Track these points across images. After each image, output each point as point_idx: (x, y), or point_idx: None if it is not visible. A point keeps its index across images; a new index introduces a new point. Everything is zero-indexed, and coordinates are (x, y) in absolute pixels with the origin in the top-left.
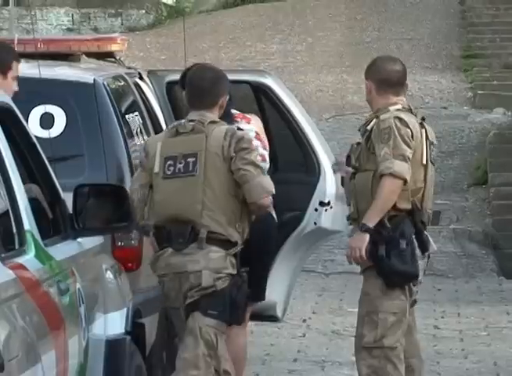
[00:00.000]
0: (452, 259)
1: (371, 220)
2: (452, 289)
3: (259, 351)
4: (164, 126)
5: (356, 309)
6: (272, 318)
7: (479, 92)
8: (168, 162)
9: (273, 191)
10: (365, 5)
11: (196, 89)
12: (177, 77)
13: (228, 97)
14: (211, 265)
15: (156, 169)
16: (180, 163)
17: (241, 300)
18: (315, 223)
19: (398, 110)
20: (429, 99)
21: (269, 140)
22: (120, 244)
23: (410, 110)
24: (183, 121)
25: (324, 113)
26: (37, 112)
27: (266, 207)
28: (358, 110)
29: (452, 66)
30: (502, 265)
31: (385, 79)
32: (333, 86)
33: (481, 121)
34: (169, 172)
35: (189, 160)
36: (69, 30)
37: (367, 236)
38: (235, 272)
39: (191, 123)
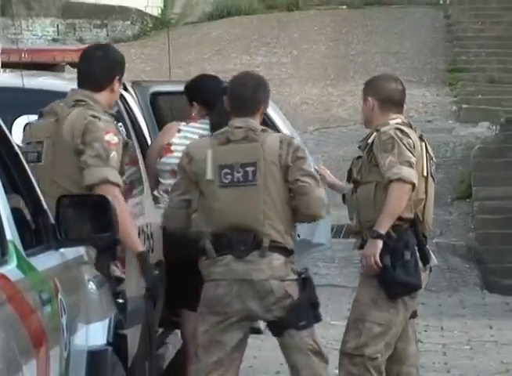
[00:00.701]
0: (436, 273)
1: (383, 226)
2: (435, 303)
3: (243, 363)
4: (147, 136)
5: (339, 322)
6: (255, 330)
7: (464, 106)
8: (224, 170)
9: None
10: (351, 18)
11: (238, 97)
12: (161, 88)
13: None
14: (276, 274)
15: (210, 176)
16: (238, 172)
17: (314, 298)
18: (298, 236)
19: (397, 123)
20: (413, 113)
21: None
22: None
23: (410, 125)
24: (228, 128)
25: (309, 126)
26: (20, 122)
27: (320, 218)
28: (343, 123)
29: (437, 80)
30: (486, 279)
31: (389, 98)
32: (318, 99)
33: (466, 134)
34: (227, 181)
35: (247, 169)
36: (54, 40)
37: (380, 243)
38: (296, 277)
39: (239, 130)
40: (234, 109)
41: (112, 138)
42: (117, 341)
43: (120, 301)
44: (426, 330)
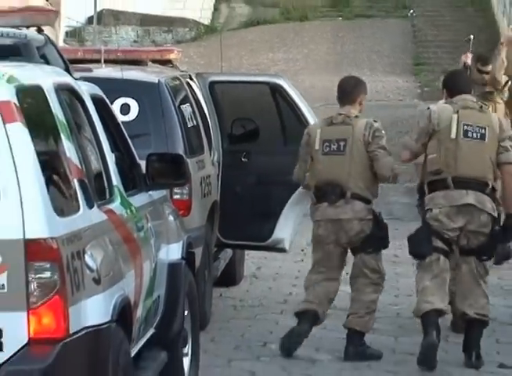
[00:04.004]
0: (406, 208)
1: None
2: (406, 229)
3: (271, 271)
4: (207, 114)
5: None
6: (282, 249)
7: (425, 89)
8: (325, 143)
9: (396, 168)
10: (345, 27)
11: (342, 91)
12: (216, 78)
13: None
14: (357, 215)
15: (317, 147)
16: (334, 144)
17: (384, 234)
18: None
19: None
20: (390, 94)
21: (281, 123)
22: (176, 197)
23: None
24: (335, 114)
25: (315, 103)
26: (119, 102)
27: (388, 179)
28: None
29: (406, 71)
30: None
31: None
32: (321, 84)
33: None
34: (326, 150)
35: (340, 143)
36: (134, 42)
37: None
38: (371, 217)
39: (340, 116)
40: (339, 100)
41: None
42: (188, 256)
43: None
44: (400, 248)
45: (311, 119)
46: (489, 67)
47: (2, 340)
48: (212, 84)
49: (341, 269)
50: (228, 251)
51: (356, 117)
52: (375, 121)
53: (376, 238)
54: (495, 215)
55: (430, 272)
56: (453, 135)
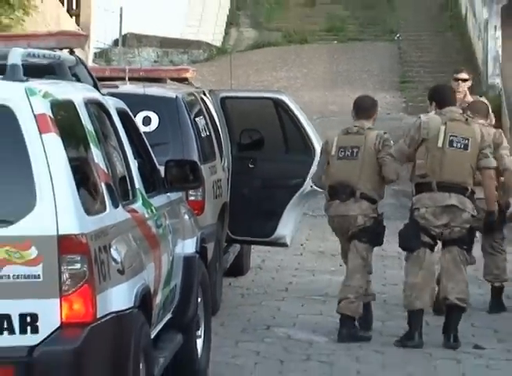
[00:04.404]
0: (393, 208)
1: None
2: (393, 226)
3: (274, 263)
4: (219, 126)
5: (334, 237)
6: (283, 244)
7: (410, 103)
8: (341, 149)
9: (400, 173)
10: (339, 49)
11: (360, 108)
12: (227, 94)
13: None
14: (363, 212)
15: (333, 153)
16: (348, 151)
17: (380, 231)
18: (311, 186)
19: None
20: (379, 108)
21: (283, 134)
22: (191, 198)
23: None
24: (351, 126)
25: (314, 116)
26: (141, 115)
27: (393, 181)
28: (334, 115)
29: (393, 88)
30: None
31: None
32: (319, 99)
33: (411, 122)
34: (341, 155)
35: (354, 149)
36: (155, 62)
37: None
38: (376, 215)
39: (355, 127)
40: (356, 115)
41: None
42: (201, 250)
43: None
44: (388, 243)
45: (310, 130)
46: (463, 74)
47: (38, 323)
48: (223, 99)
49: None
50: (237, 246)
51: (369, 128)
52: (385, 133)
53: (372, 232)
54: (475, 214)
55: (418, 264)
56: (440, 144)
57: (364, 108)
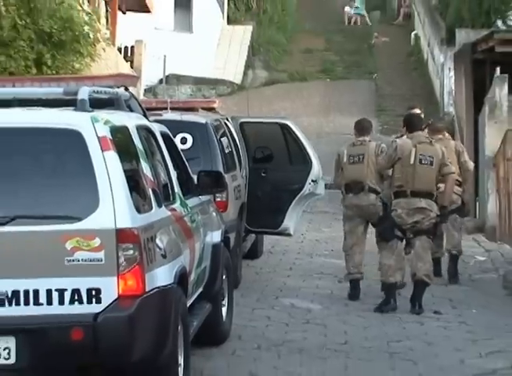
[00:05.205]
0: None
1: None
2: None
3: (281, 249)
4: (239, 146)
5: (327, 229)
6: (288, 234)
7: (384, 126)
8: (351, 157)
9: (389, 173)
10: (332, 85)
11: (362, 127)
12: (244, 120)
13: None
14: (371, 202)
15: (345, 160)
16: (356, 157)
17: (385, 215)
18: (309, 190)
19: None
20: None
21: (287, 150)
22: (217, 199)
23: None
24: (355, 140)
25: (311, 136)
26: (179, 136)
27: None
28: (329, 136)
29: (371, 115)
30: None
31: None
32: (315, 123)
33: (385, 141)
34: (351, 161)
35: (360, 156)
36: (190, 95)
37: None
38: (380, 203)
39: (359, 141)
40: (359, 132)
41: None
42: (225, 239)
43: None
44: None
45: (309, 147)
46: (416, 110)
47: (100, 296)
48: (242, 124)
49: (364, 236)
50: (252, 236)
51: (369, 141)
52: (382, 143)
53: (381, 218)
54: (438, 213)
55: (391, 251)
56: (412, 162)
57: (365, 127)
